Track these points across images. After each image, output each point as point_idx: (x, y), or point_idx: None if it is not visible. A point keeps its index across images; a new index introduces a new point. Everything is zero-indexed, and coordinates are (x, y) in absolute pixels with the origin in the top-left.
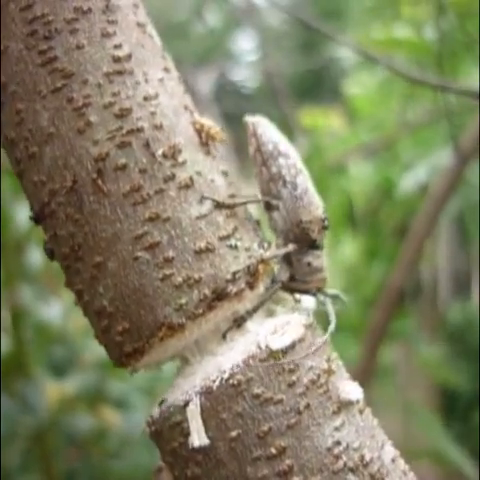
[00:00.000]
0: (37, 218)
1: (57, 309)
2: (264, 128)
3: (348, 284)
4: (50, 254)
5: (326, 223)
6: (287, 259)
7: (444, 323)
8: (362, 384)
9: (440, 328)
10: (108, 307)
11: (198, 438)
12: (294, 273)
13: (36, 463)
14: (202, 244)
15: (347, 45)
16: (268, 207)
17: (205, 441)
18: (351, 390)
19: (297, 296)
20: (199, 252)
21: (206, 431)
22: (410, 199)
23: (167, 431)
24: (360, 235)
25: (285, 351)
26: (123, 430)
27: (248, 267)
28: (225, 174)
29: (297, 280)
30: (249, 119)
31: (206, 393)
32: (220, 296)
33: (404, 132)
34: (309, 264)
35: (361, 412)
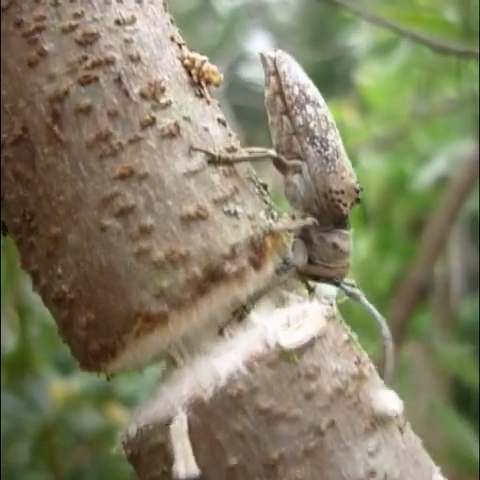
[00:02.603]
0: None
1: None
2: (289, 65)
3: (360, 279)
4: (2, 227)
5: (359, 196)
6: (306, 237)
7: (456, 321)
8: None
9: (452, 326)
10: (68, 293)
11: (185, 466)
12: (314, 255)
13: (43, 461)
14: (191, 209)
15: (373, 20)
16: (285, 168)
17: (194, 471)
18: (388, 401)
19: (311, 284)
20: (187, 219)
21: (196, 457)
22: (424, 192)
23: (147, 455)
24: (372, 229)
25: (301, 350)
26: None
27: (251, 239)
28: (222, 123)
29: (317, 264)
30: (267, 53)
31: (196, 406)
32: (214, 276)
33: (418, 123)
34: (335, 245)
35: (401, 430)
